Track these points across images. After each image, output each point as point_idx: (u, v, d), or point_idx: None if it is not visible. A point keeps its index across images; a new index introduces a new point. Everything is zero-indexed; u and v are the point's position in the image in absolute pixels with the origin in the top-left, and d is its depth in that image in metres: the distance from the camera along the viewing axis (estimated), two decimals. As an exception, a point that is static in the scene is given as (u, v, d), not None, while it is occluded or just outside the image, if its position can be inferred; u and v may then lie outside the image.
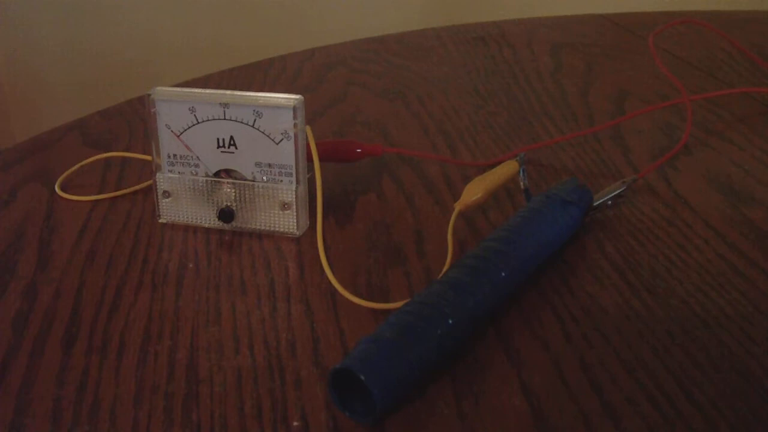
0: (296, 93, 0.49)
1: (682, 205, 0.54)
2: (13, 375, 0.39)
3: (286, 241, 0.51)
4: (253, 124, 0.49)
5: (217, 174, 0.51)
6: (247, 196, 0.50)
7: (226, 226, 0.51)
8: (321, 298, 0.45)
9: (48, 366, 0.40)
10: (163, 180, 0.52)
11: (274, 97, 0.49)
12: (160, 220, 0.53)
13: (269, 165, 0.50)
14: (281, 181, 0.50)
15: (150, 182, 0.57)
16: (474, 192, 0.50)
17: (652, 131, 0.66)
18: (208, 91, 0.50)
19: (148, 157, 0.61)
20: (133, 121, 0.70)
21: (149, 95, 0.50)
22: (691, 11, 1.05)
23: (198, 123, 0.50)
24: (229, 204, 0.51)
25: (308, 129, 0.49)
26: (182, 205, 0.52)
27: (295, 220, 0.50)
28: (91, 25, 1.69)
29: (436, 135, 0.66)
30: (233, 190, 0.51)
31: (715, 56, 0.86)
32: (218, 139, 0.50)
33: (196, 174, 0.51)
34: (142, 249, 0.50)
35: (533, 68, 0.83)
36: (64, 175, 0.60)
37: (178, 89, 0.50)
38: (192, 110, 0.50)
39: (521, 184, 0.52)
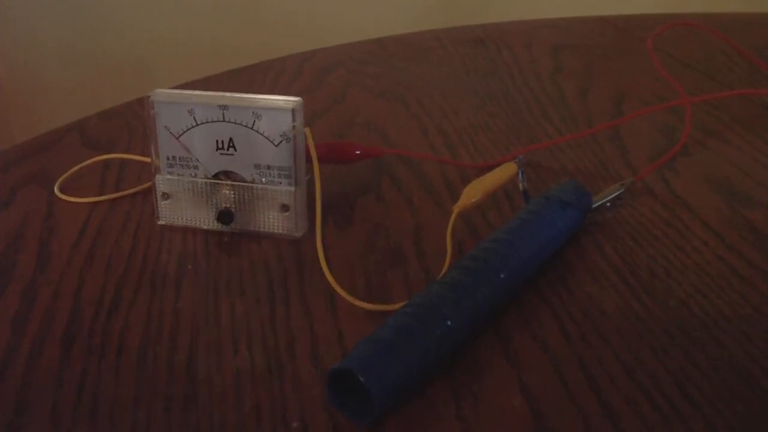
0: (295, 95, 0.49)
1: (680, 207, 0.54)
2: (12, 376, 0.40)
3: (285, 242, 0.51)
4: (252, 126, 0.49)
5: (216, 176, 0.51)
6: (246, 197, 0.50)
7: (225, 228, 0.51)
8: (320, 299, 0.45)
9: (47, 367, 0.40)
10: (163, 182, 0.52)
11: (273, 99, 0.49)
12: (159, 222, 0.53)
13: (268, 167, 0.50)
14: (280, 182, 0.50)
15: (149, 184, 0.57)
16: (473, 194, 0.50)
17: (650, 133, 0.66)
18: (207, 93, 0.50)
19: (148, 159, 0.61)
20: (132, 123, 0.71)
21: (149, 97, 0.50)
22: (690, 13, 1.05)
23: (197, 125, 0.50)
24: (228, 206, 0.51)
25: (307, 131, 0.49)
26: (181, 206, 0.52)
27: (294, 222, 0.50)
28: (91, 27, 1.69)
29: (435, 136, 0.66)
30: (232, 192, 0.51)
31: (714, 58, 0.86)
32: (217, 141, 0.50)
33: (195, 176, 0.51)
34: (141, 250, 0.50)
35: (532, 70, 0.83)
36: (64, 176, 0.60)
37: (178, 91, 0.51)
38: (191, 112, 0.50)
39: (520, 185, 0.52)
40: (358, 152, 0.58)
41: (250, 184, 0.50)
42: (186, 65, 1.63)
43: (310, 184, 0.50)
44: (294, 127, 0.48)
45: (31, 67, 1.71)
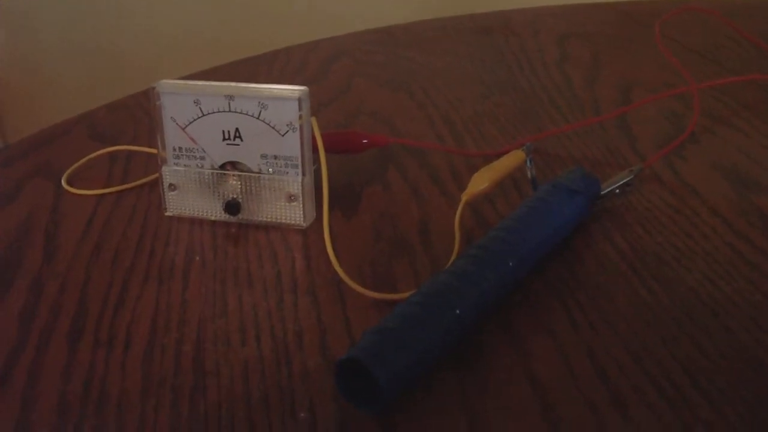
0: (301, 84, 0.49)
1: (689, 193, 0.54)
2: (19, 369, 0.40)
3: (292, 232, 0.51)
4: (259, 116, 0.49)
5: (222, 166, 0.51)
6: (253, 188, 0.50)
7: (233, 219, 0.51)
8: (327, 289, 0.45)
9: (54, 360, 0.40)
10: (169, 173, 0.52)
11: (279, 89, 0.49)
12: (166, 213, 0.53)
13: (275, 157, 0.50)
14: (287, 172, 0.50)
15: (156, 175, 0.57)
16: (480, 182, 0.50)
17: (658, 120, 0.66)
18: (213, 83, 0.50)
19: (154, 151, 0.61)
20: (138, 115, 0.71)
21: (154, 88, 0.50)
22: (698, -1, 1.05)
23: (203, 115, 0.50)
24: (235, 196, 0.51)
25: (313, 120, 0.49)
26: (188, 197, 0.52)
27: (301, 212, 0.50)
28: (95, 20, 1.69)
29: (441, 125, 0.66)
30: (239, 183, 0.51)
31: (721, 44, 0.86)
32: (224, 132, 0.50)
33: (202, 166, 0.51)
34: (149, 242, 0.50)
35: (539, 58, 0.83)
36: (71, 169, 0.60)
37: (183, 82, 0.50)
38: (197, 103, 0.50)
39: (528, 173, 0.52)
40: (364, 141, 0.58)
41: (257, 174, 0.50)
42: (191, 57, 1.63)
43: (317, 173, 0.50)
44: (300, 116, 0.48)
45: (35, 62, 1.71)
